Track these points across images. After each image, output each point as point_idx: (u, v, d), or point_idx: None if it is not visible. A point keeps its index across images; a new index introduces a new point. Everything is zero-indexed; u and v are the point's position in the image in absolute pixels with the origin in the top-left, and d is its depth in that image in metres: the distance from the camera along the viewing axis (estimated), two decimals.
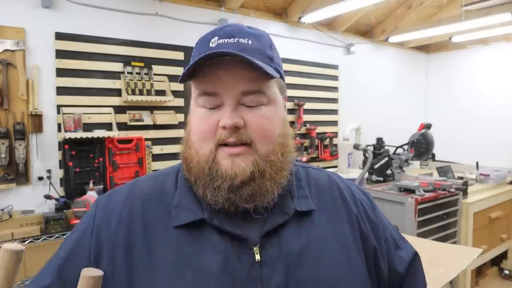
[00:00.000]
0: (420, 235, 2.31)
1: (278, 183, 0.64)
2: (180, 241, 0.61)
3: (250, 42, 0.62)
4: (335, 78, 4.21)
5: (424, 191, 2.49)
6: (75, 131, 2.50)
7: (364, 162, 3.63)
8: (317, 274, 0.62)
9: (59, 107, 2.52)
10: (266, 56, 0.63)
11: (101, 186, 2.59)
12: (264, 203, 0.63)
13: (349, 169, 3.98)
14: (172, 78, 2.99)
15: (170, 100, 2.89)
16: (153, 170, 2.89)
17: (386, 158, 3.20)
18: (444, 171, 3.32)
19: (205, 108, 0.63)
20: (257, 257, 0.60)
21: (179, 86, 3.04)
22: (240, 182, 0.60)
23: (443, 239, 2.52)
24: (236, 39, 0.62)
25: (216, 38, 0.63)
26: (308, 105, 3.88)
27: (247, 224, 0.63)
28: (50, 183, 2.47)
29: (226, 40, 0.62)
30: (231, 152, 0.61)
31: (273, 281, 0.59)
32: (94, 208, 0.69)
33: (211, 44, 0.63)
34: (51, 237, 2.14)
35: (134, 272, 0.60)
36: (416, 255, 0.79)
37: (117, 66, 2.76)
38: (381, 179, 3.23)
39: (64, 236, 2.17)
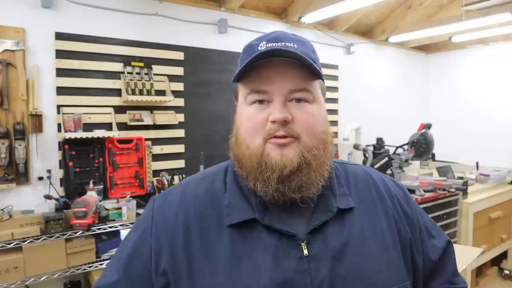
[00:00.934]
0: None
1: (322, 175, 0.68)
2: (233, 240, 0.65)
3: (296, 46, 0.68)
4: (335, 78, 4.22)
5: (424, 191, 2.49)
6: (75, 131, 2.50)
7: (364, 162, 3.63)
8: (359, 267, 0.65)
9: (59, 107, 2.52)
10: (310, 59, 0.67)
11: (101, 186, 2.59)
12: (310, 193, 0.67)
13: None
14: (172, 78, 2.99)
15: (170, 100, 2.89)
16: (153, 171, 2.89)
17: (386, 158, 3.20)
18: (444, 171, 3.32)
19: (255, 104, 0.68)
20: (305, 251, 0.64)
21: (179, 86, 3.04)
22: (289, 172, 0.64)
23: None
24: (283, 43, 0.67)
25: (264, 42, 0.68)
26: None
27: (293, 221, 0.67)
28: (50, 183, 2.47)
29: (274, 44, 0.67)
30: (279, 142, 0.65)
31: (321, 274, 0.63)
32: (151, 209, 0.73)
33: (260, 48, 0.67)
34: (51, 237, 2.14)
35: (193, 269, 0.65)
36: (449, 243, 0.82)
37: (117, 66, 2.76)
38: None
39: (64, 236, 2.18)
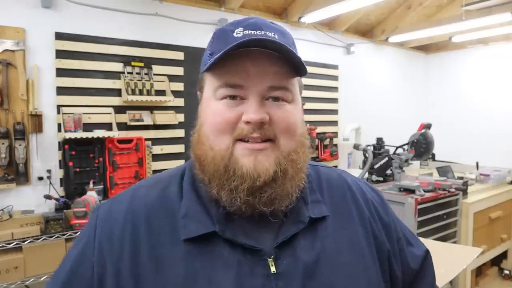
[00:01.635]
0: (420, 235, 2.31)
1: (297, 186, 0.61)
2: (189, 257, 0.57)
3: (276, 36, 0.59)
4: (335, 78, 4.21)
5: (424, 191, 2.49)
6: (75, 131, 2.50)
7: (364, 162, 3.63)
8: (333, 284, 0.59)
9: (59, 107, 2.52)
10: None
11: (101, 186, 2.59)
12: (282, 206, 0.59)
13: (349, 169, 3.99)
14: (172, 78, 2.99)
15: (170, 100, 2.89)
16: (153, 171, 2.89)
17: (386, 158, 3.20)
18: (444, 171, 3.32)
19: (225, 100, 0.59)
20: (273, 268, 0.57)
21: (179, 86, 3.04)
22: (263, 182, 0.56)
23: (443, 239, 2.52)
24: (263, 32, 0.59)
25: (241, 29, 0.59)
26: (308, 105, 3.88)
27: (259, 234, 0.60)
28: (50, 183, 2.47)
29: (253, 32, 0.58)
30: (253, 147, 0.57)
31: None
32: (94, 221, 0.63)
33: (235, 35, 0.58)
34: (51, 237, 2.14)
35: None
36: (428, 253, 0.77)
37: (117, 66, 2.76)
38: (381, 179, 3.23)
39: (64, 236, 2.17)
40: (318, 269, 0.59)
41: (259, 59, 0.58)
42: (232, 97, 0.59)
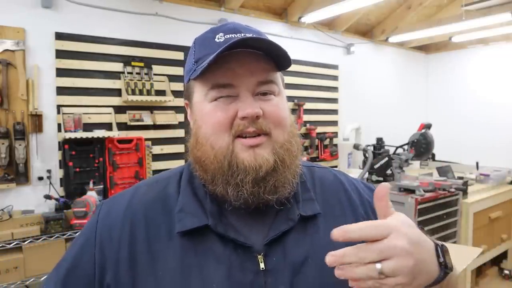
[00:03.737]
0: None
1: (295, 173, 0.64)
2: (184, 252, 0.60)
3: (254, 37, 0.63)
4: (335, 78, 4.21)
5: (424, 191, 2.49)
6: (75, 131, 2.50)
7: (364, 162, 3.63)
8: (322, 282, 0.60)
9: (59, 107, 2.52)
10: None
11: (101, 186, 2.59)
12: (285, 193, 0.62)
13: (349, 169, 3.99)
14: (172, 78, 2.99)
15: (170, 100, 2.89)
16: (153, 171, 2.89)
17: (386, 158, 3.21)
18: (444, 171, 3.32)
19: (218, 100, 0.61)
20: (262, 265, 0.59)
21: (179, 86, 3.04)
22: (265, 172, 0.59)
23: (443, 239, 2.52)
24: (243, 34, 0.62)
25: (221, 34, 0.63)
26: (308, 105, 3.88)
27: (250, 230, 0.62)
28: (50, 183, 2.47)
29: (233, 35, 0.62)
30: (250, 143, 0.60)
31: None
32: (96, 217, 0.67)
33: (217, 40, 0.63)
34: (51, 237, 2.14)
35: (138, 284, 0.59)
36: None
37: (117, 66, 2.76)
38: (381, 179, 3.23)
39: (64, 236, 2.17)
40: (307, 267, 0.60)
41: (244, 59, 0.61)
42: (224, 98, 0.61)
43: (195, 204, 0.63)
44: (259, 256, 0.60)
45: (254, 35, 0.62)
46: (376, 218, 0.67)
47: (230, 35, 0.62)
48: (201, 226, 0.60)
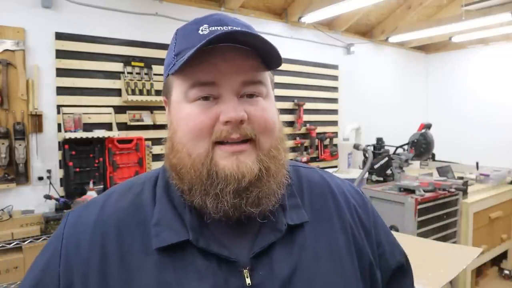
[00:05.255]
0: (420, 235, 2.31)
1: (281, 183, 0.59)
2: (161, 268, 0.54)
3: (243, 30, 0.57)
4: (335, 78, 4.21)
5: (424, 191, 2.49)
6: (75, 131, 2.50)
7: (364, 162, 3.63)
8: None
9: (59, 107, 2.52)
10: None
11: (101, 186, 2.59)
12: (270, 205, 0.57)
13: (349, 169, 3.99)
14: None
15: None
16: None
17: (386, 158, 3.20)
18: (444, 171, 3.32)
19: (199, 101, 0.56)
20: (248, 280, 0.54)
21: None
22: (248, 183, 0.54)
23: (443, 239, 2.52)
24: (229, 27, 0.56)
25: (206, 26, 0.57)
26: (308, 105, 3.88)
27: (234, 243, 0.57)
28: (50, 183, 2.47)
29: (219, 28, 0.56)
30: (234, 150, 0.54)
31: None
32: (61, 231, 0.59)
33: (201, 32, 0.56)
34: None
35: None
36: (407, 257, 0.74)
37: (117, 66, 2.76)
38: (381, 179, 3.22)
39: None
40: (295, 280, 0.56)
41: (230, 55, 0.55)
42: (205, 98, 0.55)
43: (173, 216, 0.57)
44: (244, 271, 0.55)
45: (242, 29, 0.55)
46: (361, 223, 0.67)
47: (216, 27, 0.56)
48: (181, 241, 0.55)
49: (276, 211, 0.59)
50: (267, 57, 0.57)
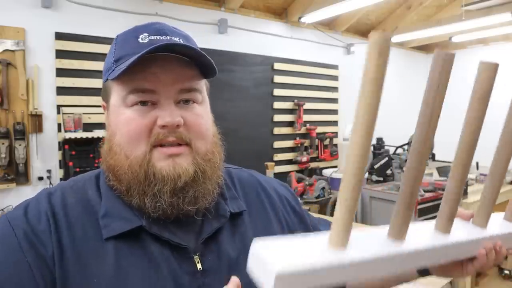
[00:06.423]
0: None
1: (216, 183, 0.63)
2: (117, 254, 0.55)
3: (181, 41, 0.61)
4: (335, 78, 4.21)
5: (424, 191, 2.49)
6: (75, 131, 2.50)
7: None
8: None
9: (59, 107, 2.52)
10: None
11: None
12: (206, 204, 0.61)
13: None
14: None
15: None
16: None
17: (386, 158, 3.21)
18: (444, 171, 3.32)
19: (137, 106, 0.58)
20: (199, 266, 0.58)
21: None
22: (184, 183, 0.57)
23: None
24: (169, 37, 0.60)
25: (146, 34, 0.60)
26: (308, 105, 3.88)
27: (184, 232, 0.60)
28: (50, 183, 2.47)
29: (158, 37, 0.60)
30: (171, 152, 0.58)
31: None
32: (7, 226, 0.55)
33: (141, 40, 0.60)
34: None
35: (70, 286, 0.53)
36: None
37: None
38: (381, 179, 3.23)
39: None
40: (242, 263, 0.59)
41: (168, 63, 0.58)
42: (143, 103, 0.58)
43: (122, 207, 0.59)
44: (195, 257, 0.59)
45: (181, 40, 0.60)
46: (294, 211, 0.74)
47: (155, 36, 0.60)
48: (134, 228, 0.57)
49: (218, 201, 0.64)
50: (203, 67, 0.61)
